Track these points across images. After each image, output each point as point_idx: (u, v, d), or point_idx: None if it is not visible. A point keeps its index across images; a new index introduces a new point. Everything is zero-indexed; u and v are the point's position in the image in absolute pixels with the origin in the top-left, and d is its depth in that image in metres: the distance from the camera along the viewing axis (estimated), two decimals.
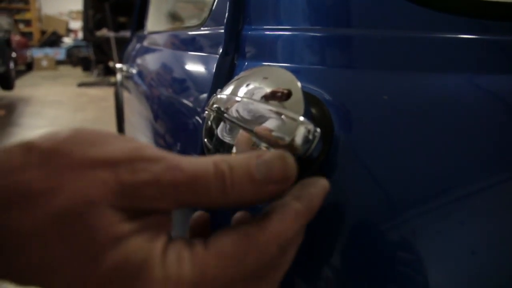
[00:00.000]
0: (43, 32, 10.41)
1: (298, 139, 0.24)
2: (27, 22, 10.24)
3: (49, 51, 9.24)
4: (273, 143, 0.25)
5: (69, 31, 10.72)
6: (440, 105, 0.26)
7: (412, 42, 0.29)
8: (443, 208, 0.23)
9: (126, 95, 1.39)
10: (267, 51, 0.39)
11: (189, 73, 0.61)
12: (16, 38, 5.98)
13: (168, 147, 0.60)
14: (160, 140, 0.67)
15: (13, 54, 5.47)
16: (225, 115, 0.29)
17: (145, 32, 1.32)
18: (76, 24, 10.29)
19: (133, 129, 1.10)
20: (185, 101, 0.56)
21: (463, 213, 0.23)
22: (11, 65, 5.21)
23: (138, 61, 1.15)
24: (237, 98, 0.29)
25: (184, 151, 0.52)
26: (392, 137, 0.27)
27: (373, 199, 0.26)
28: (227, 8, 0.44)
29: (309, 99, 0.30)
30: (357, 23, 0.33)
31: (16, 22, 7.88)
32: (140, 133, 0.90)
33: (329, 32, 0.34)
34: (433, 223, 0.23)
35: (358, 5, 0.33)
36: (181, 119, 0.56)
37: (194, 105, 0.51)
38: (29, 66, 8.08)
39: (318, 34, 0.34)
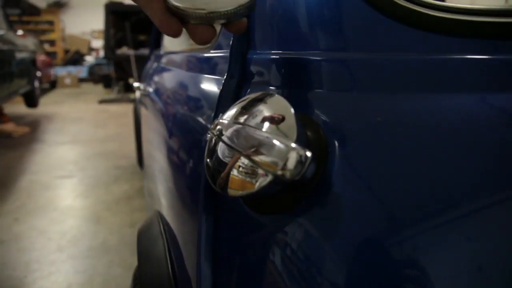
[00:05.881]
0: (66, 51, 10.76)
1: (290, 163, 0.26)
2: (52, 42, 10.60)
3: (72, 69, 9.51)
4: (267, 167, 0.27)
5: (91, 49, 11.03)
6: (447, 124, 0.26)
7: (419, 64, 0.29)
8: (448, 224, 0.23)
9: (143, 112, 1.43)
10: (271, 75, 0.41)
11: (199, 95, 0.62)
12: (41, 57, 6.20)
13: (180, 162, 0.62)
14: (173, 156, 0.69)
15: (38, 73, 5.65)
16: (225, 139, 0.31)
17: (162, 52, 1.37)
18: (98, 43, 10.59)
19: (149, 144, 1.13)
20: (196, 121, 0.57)
21: (470, 228, 0.22)
22: (36, 83, 5.39)
23: (154, 80, 1.18)
24: (236, 124, 0.31)
25: (194, 167, 0.53)
26: (394, 155, 0.27)
27: (373, 218, 0.26)
28: None
29: (305, 122, 0.31)
30: (358, 47, 0.33)
31: (42, 42, 8.19)
32: (155, 148, 0.93)
33: (331, 56, 0.35)
34: (439, 240, 0.23)
35: (359, 30, 0.33)
36: (191, 138, 0.58)
37: (204, 125, 0.53)
38: (53, 84, 8.32)
39: (319, 58, 0.35)
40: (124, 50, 6.28)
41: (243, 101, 0.33)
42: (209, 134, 0.34)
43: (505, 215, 0.23)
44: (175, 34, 0.36)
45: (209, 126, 0.50)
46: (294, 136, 0.26)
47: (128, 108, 5.11)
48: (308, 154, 0.26)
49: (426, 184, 0.25)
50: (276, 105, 0.29)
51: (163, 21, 0.36)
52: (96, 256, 1.68)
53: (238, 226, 0.39)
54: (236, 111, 0.32)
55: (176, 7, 0.35)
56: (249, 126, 0.29)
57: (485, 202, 0.23)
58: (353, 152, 0.29)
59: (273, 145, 0.27)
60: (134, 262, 0.76)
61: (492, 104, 0.27)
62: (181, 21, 0.36)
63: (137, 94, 1.89)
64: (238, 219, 0.39)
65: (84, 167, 2.92)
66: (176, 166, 0.64)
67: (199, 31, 0.36)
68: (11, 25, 4.59)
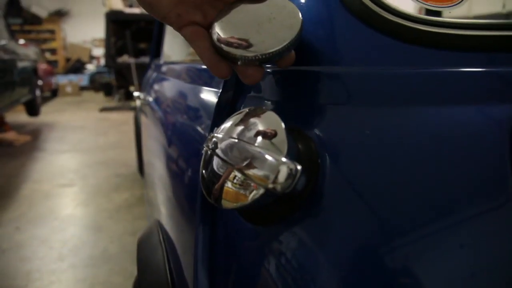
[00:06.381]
0: (67, 60, 10.82)
1: (281, 176, 0.27)
2: (53, 51, 10.65)
3: (73, 77, 9.54)
4: (259, 180, 0.28)
5: (92, 58, 11.08)
6: (439, 136, 0.27)
7: (412, 78, 0.30)
8: (439, 233, 0.23)
9: (143, 121, 1.44)
10: (265, 89, 0.42)
11: (198, 105, 0.63)
12: (42, 66, 6.22)
13: (179, 172, 0.63)
14: (171, 165, 0.69)
15: (40, 82, 5.67)
16: (219, 152, 0.32)
17: (161, 61, 1.38)
18: (99, 51, 10.64)
19: (149, 153, 1.14)
20: (194, 131, 0.58)
21: (462, 236, 0.23)
22: (37, 92, 5.41)
23: (154, 89, 1.20)
24: (230, 138, 0.32)
25: (192, 177, 0.54)
26: (384, 167, 0.28)
27: (363, 228, 0.26)
28: None
29: (297, 136, 0.32)
30: (352, 61, 0.34)
31: (43, 51, 8.23)
32: (154, 157, 0.94)
33: (324, 70, 0.35)
34: (430, 248, 0.23)
35: (353, 44, 0.34)
36: (189, 148, 0.59)
37: (203, 134, 0.54)
38: (54, 93, 8.34)
39: (313, 72, 0.36)
40: (125, 58, 6.31)
41: (237, 115, 0.34)
42: (204, 147, 0.35)
43: (497, 223, 0.23)
44: (225, 77, 0.36)
45: (207, 135, 0.51)
46: (285, 151, 0.28)
47: (128, 116, 5.12)
48: (298, 167, 0.27)
49: (417, 195, 0.25)
50: (268, 120, 0.30)
51: (212, 64, 0.35)
52: (97, 264, 1.68)
53: (234, 235, 0.40)
54: (230, 125, 0.33)
55: (221, 48, 0.34)
56: (243, 140, 0.30)
57: (477, 211, 0.24)
58: (344, 164, 0.30)
59: (265, 159, 0.28)
60: (135, 271, 0.77)
61: (484, 115, 0.28)
62: (229, 61, 0.35)
63: (138, 102, 1.90)
64: (234, 229, 0.40)
65: (85, 176, 2.93)
66: (175, 176, 0.65)
67: (249, 73, 0.35)
68: (13, 35, 4.62)
